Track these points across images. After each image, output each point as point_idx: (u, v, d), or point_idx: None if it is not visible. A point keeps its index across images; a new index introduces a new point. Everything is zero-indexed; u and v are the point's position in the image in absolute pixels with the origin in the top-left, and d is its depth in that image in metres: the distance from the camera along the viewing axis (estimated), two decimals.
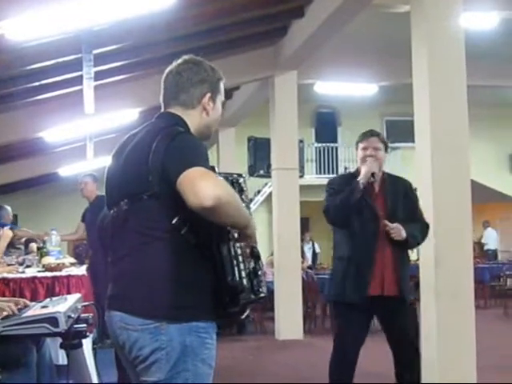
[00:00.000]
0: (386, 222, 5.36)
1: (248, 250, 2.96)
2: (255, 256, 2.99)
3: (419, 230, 5.62)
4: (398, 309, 5.48)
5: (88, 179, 9.71)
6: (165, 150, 2.75)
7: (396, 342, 5.61)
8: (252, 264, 2.96)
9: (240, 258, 2.87)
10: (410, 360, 5.62)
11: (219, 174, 2.99)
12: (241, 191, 3.07)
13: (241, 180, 3.09)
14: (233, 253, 2.86)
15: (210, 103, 3.11)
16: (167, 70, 3.14)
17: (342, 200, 5.41)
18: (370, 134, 5.63)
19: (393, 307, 5.45)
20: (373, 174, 5.42)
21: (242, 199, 3.01)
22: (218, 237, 2.84)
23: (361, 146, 5.60)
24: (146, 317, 2.77)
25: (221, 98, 3.20)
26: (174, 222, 2.75)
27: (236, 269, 2.84)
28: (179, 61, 3.13)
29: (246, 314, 3.04)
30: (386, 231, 5.37)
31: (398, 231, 5.35)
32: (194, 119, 3.06)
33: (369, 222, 5.41)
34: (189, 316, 2.79)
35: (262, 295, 3.00)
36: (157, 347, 2.76)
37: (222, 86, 3.19)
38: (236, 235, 2.89)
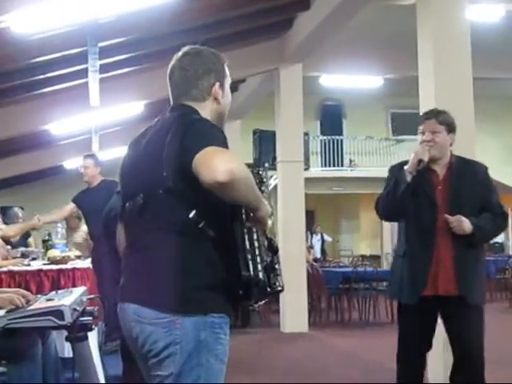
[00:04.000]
0: (447, 215, 4.85)
1: (266, 243, 2.93)
2: (272, 249, 2.96)
3: (490, 221, 4.97)
4: (459, 311, 4.92)
5: (89, 162, 9.01)
6: (179, 142, 2.74)
7: (456, 350, 5.01)
8: (269, 257, 2.93)
9: (257, 251, 2.85)
10: (471, 371, 4.95)
11: None
12: (261, 182, 3.04)
13: (261, 170, 3.07)
14: (248, 246, 2.83)
15: (220, 91, 3.11)
16: (170, 66, 3.11)
17: (388, 192, 5.02)
18: (425, 116, 5.12)
19: (453, 309, 4.94)
20: (419, 161, 4.86)
21: (262, 190, 2.99)
22: (235, 229, 2.83)
23: (419, 129, 5.09)
24: (160, 309, 2.77)
25: (228, 80, 3.19)
26: (190, 215, 2.73)
27: (251, 263, 2.81)
28: (179, 54, 3.11)
29: (258, 304, 3.05)
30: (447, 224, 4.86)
31: (459, 224, 4.82)
32: (206, 111, 3.05)
33: (427, 214, 4.94)
34: (203, 308, 2.79)
35: (279, 289, 2.97)
36: (171, 341, 2.76)
37: (226, 68, 3.18)
38: (246, 217, 2.85)
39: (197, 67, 3.07)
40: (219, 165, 2.56)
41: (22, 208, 11.58)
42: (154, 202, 2.85)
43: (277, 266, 2.98)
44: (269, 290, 2.93)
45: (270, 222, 2.93)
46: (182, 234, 2.79)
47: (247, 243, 2.85)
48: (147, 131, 3.07)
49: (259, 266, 2.84)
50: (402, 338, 5.10)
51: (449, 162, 5.07)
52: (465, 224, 4.81)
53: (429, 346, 5.08)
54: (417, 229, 4.97)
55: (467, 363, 4.95)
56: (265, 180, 3.08)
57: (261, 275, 2.84)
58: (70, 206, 9.19)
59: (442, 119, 5.02)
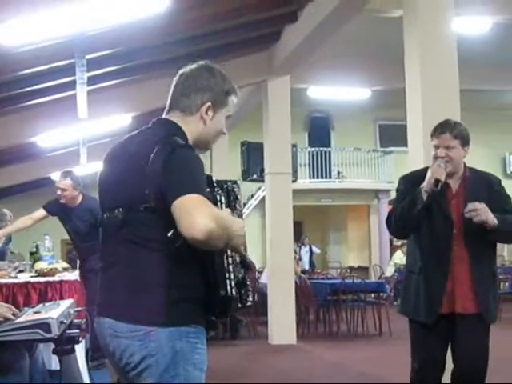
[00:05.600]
0: (469, 204, 4.57)
1: (238, 259, 2.95)
2: (244, 265, 2.98)
3: None
4: (472, 330, 4.73)
5: (67, 183, 8.37)
6: (163, 165, 2.69)
7: (460, 368, 4.79)
8: (241, 273, 2.96)
9: (231, 268, 2.88)
10: None
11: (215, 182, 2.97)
12: (235, 199, 3.05)
13: (235, 188, 3.06)
14: (225, 265, 2.86)
15: (209, 113, 3.01)
16: (180, 72, 3.07)
17: (402, 211, 4.77)
18: (440, 130, 4.82)
19: (466, 327, 4.72)
20: (437, 181, 4.62)
21: (236, 207, 3.02)
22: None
23: (432, 143, 4.86)
24: (134, 322, 2.76)
25: (225, 111, 3.08)
26: (169, 234, 2.70)
27: (228, 282, 2.85)
28: (194, 65, 3.06)
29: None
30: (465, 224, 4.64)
31: (481, 212, 4.53)
32: (191, 127, 2.99)
33: (441, 229, 4.74)
34: (177, 319, 2.78)
35: (249, 304, 3.02)
36: (147, 354, 2.75)
37: (229, 99, 3.08)
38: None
39: (199, 80, 3.01)
40: (198, 223, 2.55)
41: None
42: (133, 218, 2.82)
43: (248, 282, 3.02)
44: (240, 305, 2.98)
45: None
46: (158, 250, 2.78)
47: (225, 262, 2.88)
48: (125, 143, 3.04)
49: (232, 283, 2.88)
50: (418, 359, 4.87)
51: (462, 175, 4.88)
52: (489, 213, 4.55)
53: (443, 367, 4.85)
54: (431, 244, 4.78)
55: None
56: (239, 197, 3.08)
57: (234, 292, 2.88)
58: (40, 213, 8.57)
59: (456, 133, 4.78)
